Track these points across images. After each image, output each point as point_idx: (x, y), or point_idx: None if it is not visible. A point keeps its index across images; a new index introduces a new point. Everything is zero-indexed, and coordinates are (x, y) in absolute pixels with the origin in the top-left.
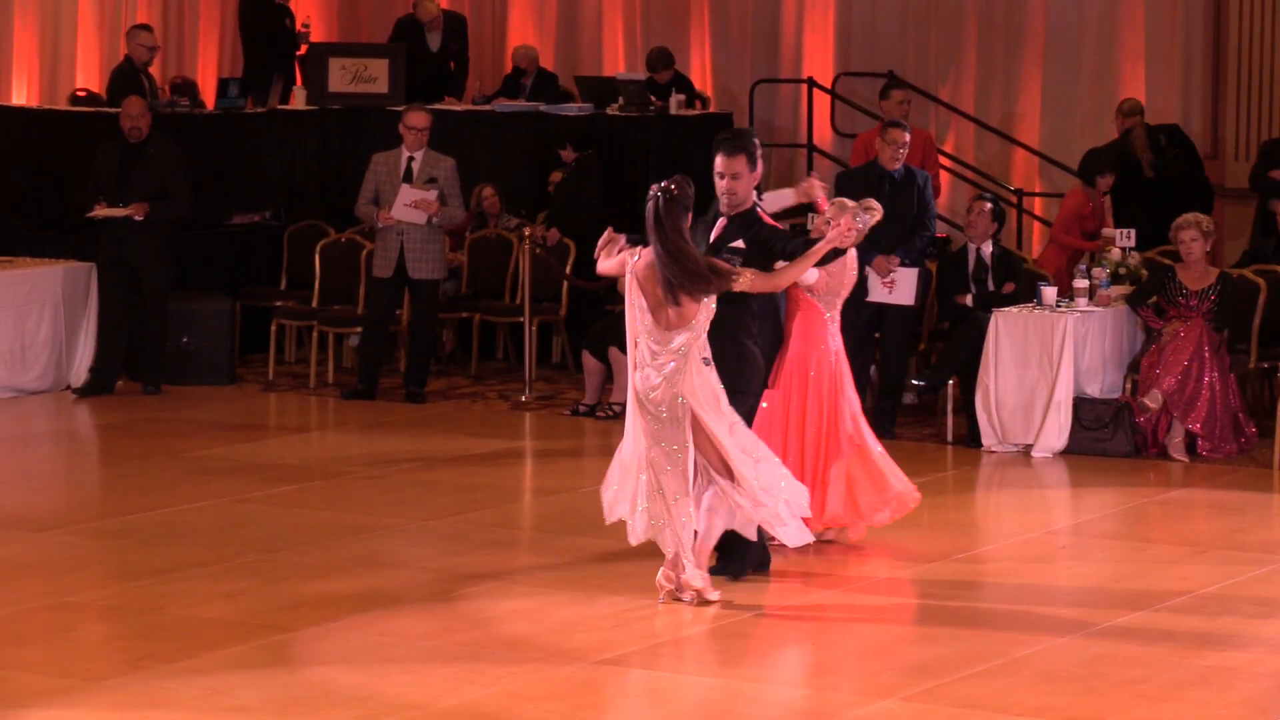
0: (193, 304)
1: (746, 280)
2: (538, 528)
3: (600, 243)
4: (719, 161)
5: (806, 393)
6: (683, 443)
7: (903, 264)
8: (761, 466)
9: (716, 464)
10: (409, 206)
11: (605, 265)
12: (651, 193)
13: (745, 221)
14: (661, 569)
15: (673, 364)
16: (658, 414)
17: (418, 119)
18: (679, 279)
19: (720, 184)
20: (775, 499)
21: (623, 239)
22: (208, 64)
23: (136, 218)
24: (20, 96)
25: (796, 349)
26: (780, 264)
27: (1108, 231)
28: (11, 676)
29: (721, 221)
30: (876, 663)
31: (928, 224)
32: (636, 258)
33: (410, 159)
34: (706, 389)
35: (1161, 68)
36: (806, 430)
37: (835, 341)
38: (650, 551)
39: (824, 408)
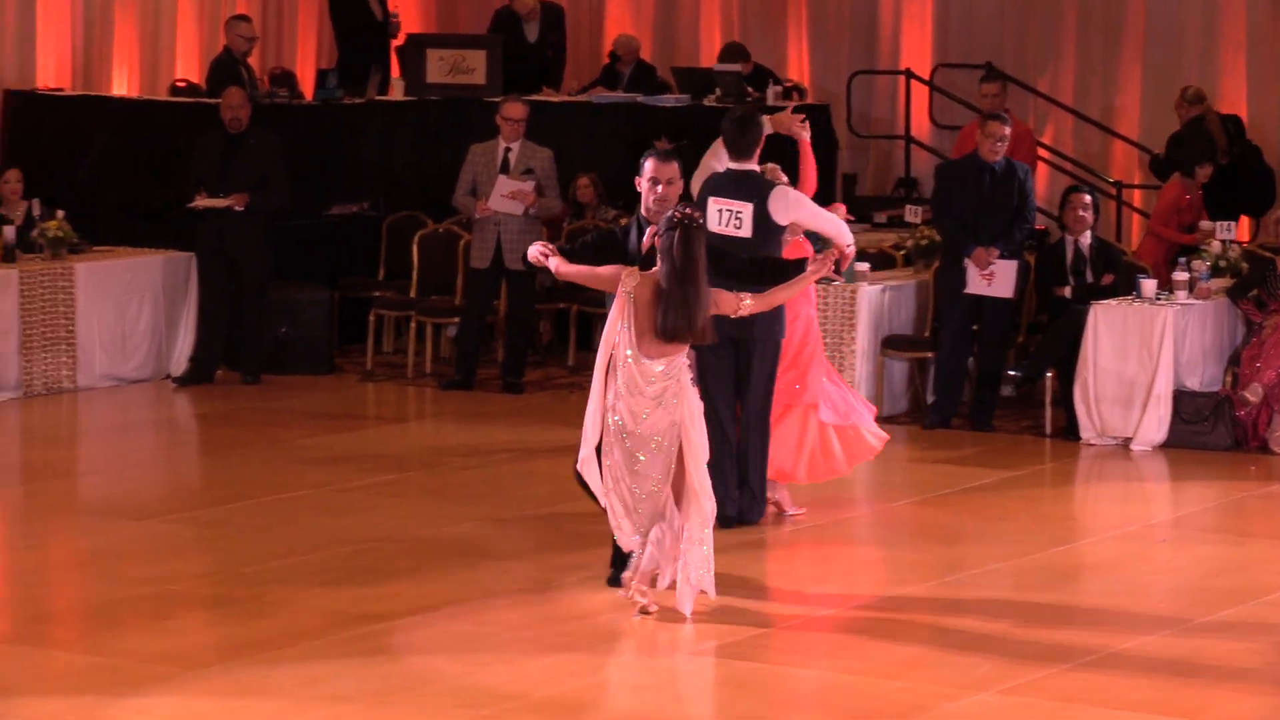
0: (291, 294)
1: (748, 307)
2: None
3: (537, 255)
4: (654, 168)
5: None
6: (663, 476)
7: (1002, 256)
8: (707, 507)
9: (675, 496)
10: (506, 198)
11: (565, 270)
12: (672, 219)
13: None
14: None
15: (667, 388)
16: (646, 446)
17: (515, 110)
18: (682, 318)
19: (656, 190)
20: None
21: (550, 248)
22: (306, 55)
23: (237, 208)
24: (121, 87)
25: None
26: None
27: (1206, 225)
28: (111, 664)
29: (651, 229)
30: (973, 655)
31: (1027, 216)
32: (636, 280)
33: (507, 150)
34: (698, 411)
35: (1264, 57)
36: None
37: (812, 309)
38: (750, 544)
39: (790, 368)
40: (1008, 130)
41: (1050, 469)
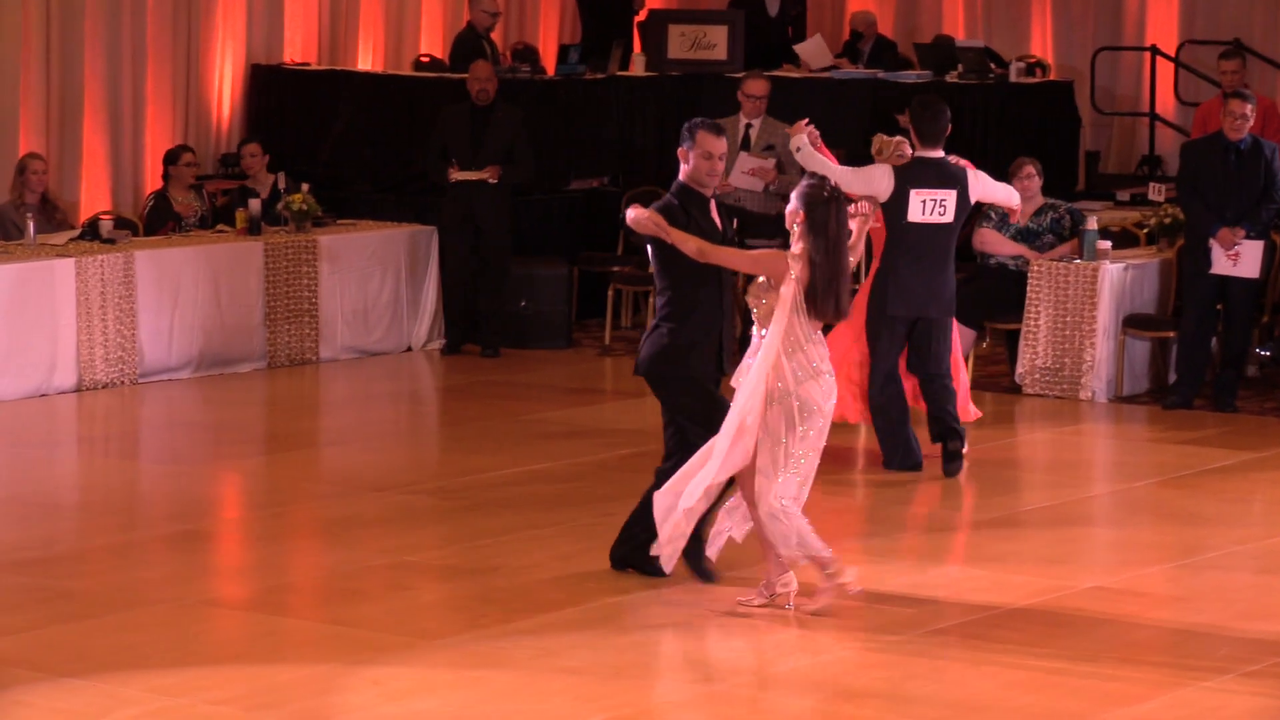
0: (531, 268)
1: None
2: (866, 495)
3: (635, 218)
4: (716, 144)
5: None
6: (815, 452)
7: (1248, 236)
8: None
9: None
10: (747, 174)
11: (711, 252)
12: (821, 193)
13: (722, 204)
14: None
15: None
16: (812, 422)
17: (757, 87)
18: (835, 295)
19: (714, 164)
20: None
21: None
22: (548, 30)
23: (491, 181)
24: (366, 62)
25: None
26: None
27: None
28: (349, 633)
29: (712, 204)
30: (1213, 638)
31: (1275, 195)
32: (795, 258)
33: (748, 126)
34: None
35: None
36: None
37: None
38: (988, 522)
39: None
40: (1250, 108)
41: None
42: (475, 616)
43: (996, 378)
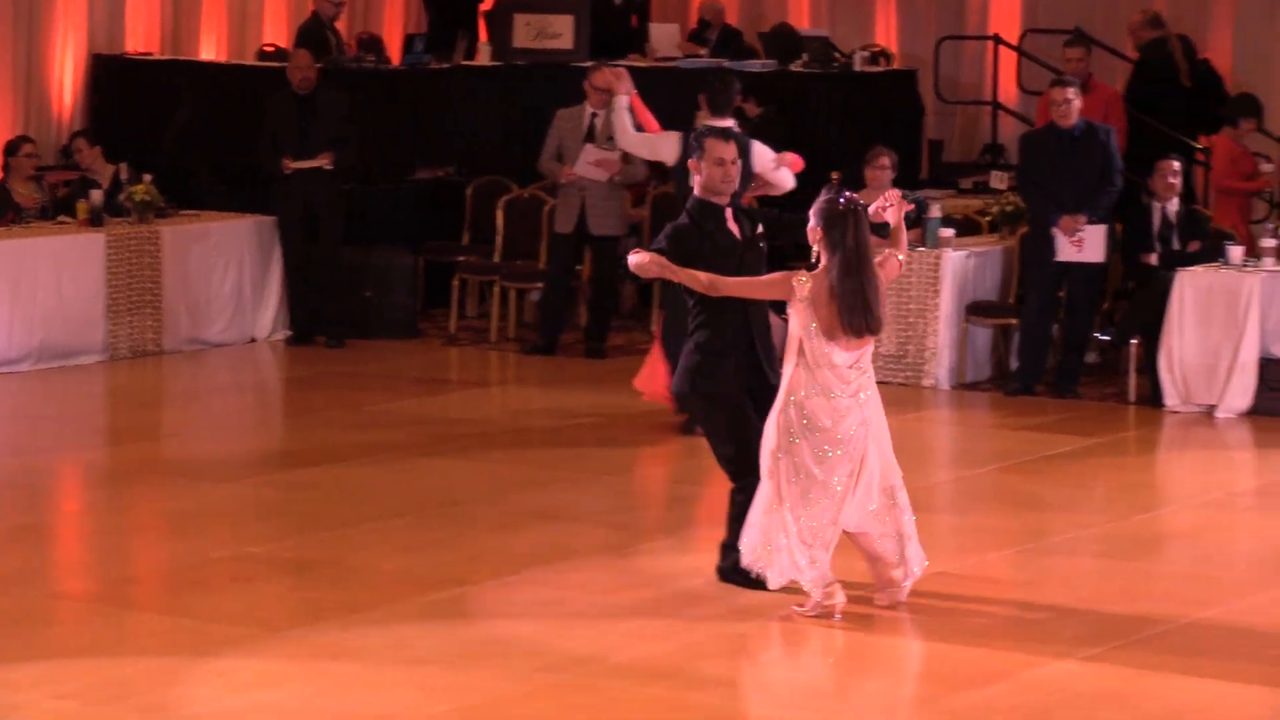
0: (376, 259)
1: (903, 262)
2: (716, 484)
3: (637, 263)
4: (725, 149)
5: None
6: (848, 474)
7: (1090, 222)
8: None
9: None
10: (592, 165)
11: (723, 283)
12: (837, 208)
13: (741, 209)
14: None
15: (861, 385)
16: (844, 445)
17: (606, 77)
18: (864, 313)
19: (726, 169)
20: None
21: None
22: (393, 20)
23: (326, 167)
24: (209, 52)
25: None
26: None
27: (1266, 166)
28: (195, 626)
29: (728, 213)
30: (1055, 623)
31: (1113, 179)
32: (804, 279)
33: (594, 116)
34: (880, 410)
35: None
36: None
37: None
38: None
39: None
40: (1071, 93)
41: (1134, 436)
42: (320, 608)
43: None
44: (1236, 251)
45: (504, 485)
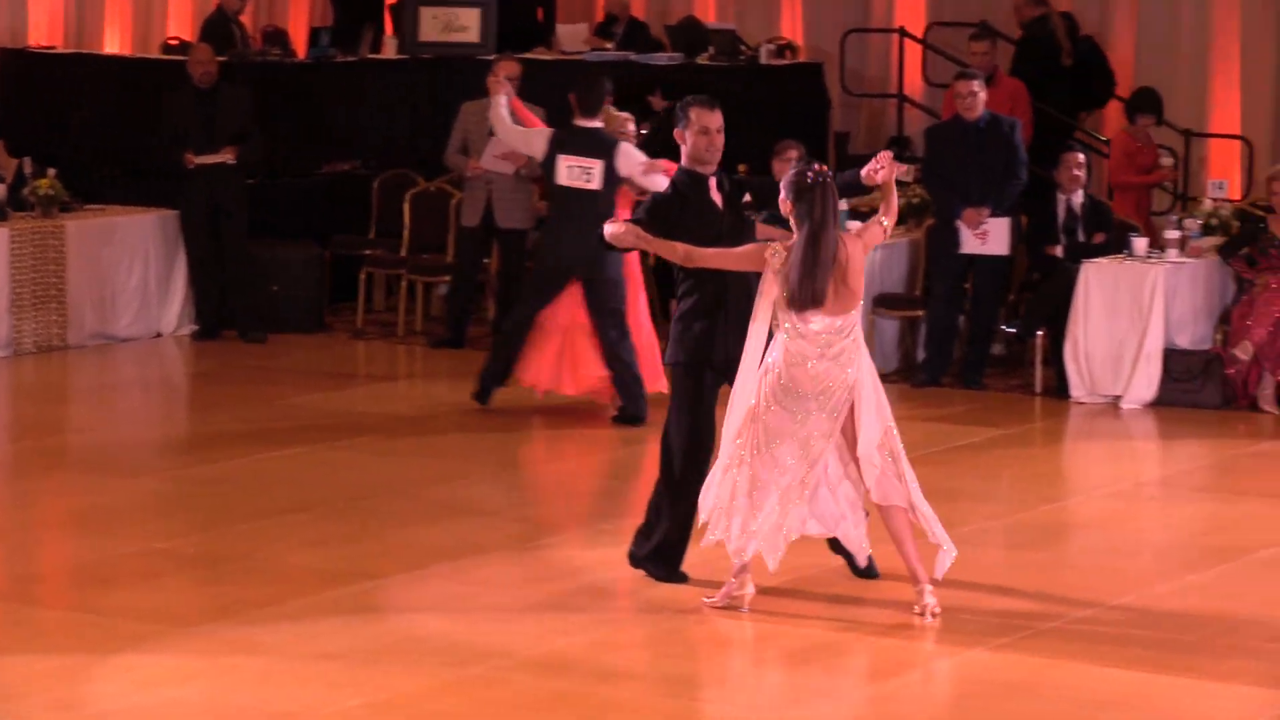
0: (283, 252)
1: (888, 227)
2: (623, 477)
3: (613, 233)
4: (711, 118)
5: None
6: (826, 433)
7: (994, 214)
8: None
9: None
10: (498, 157)
11: (699, 255)
12: (807, 179)
13: (729, 178)
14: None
15: (843, 349)
16: (822, 406)
17: (508, 69)
18: (810, 284)
19: (712, 139)
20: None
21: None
22: (299, 13)
23: (230, 161)
24: (113, 45)
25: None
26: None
27: (1166, 159)
28: (101, 622)
29: (712, 181)
30: (963, 613)
31: (1017, 171)
32: (776, 254)
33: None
34: (871, 373)
35: (1258, 16)
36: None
37: None
38: None
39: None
40: (976, 86)
41: (1040, 427)
42: (228, 603)
43: None
44: (1141, 243)
45: (412, 479)
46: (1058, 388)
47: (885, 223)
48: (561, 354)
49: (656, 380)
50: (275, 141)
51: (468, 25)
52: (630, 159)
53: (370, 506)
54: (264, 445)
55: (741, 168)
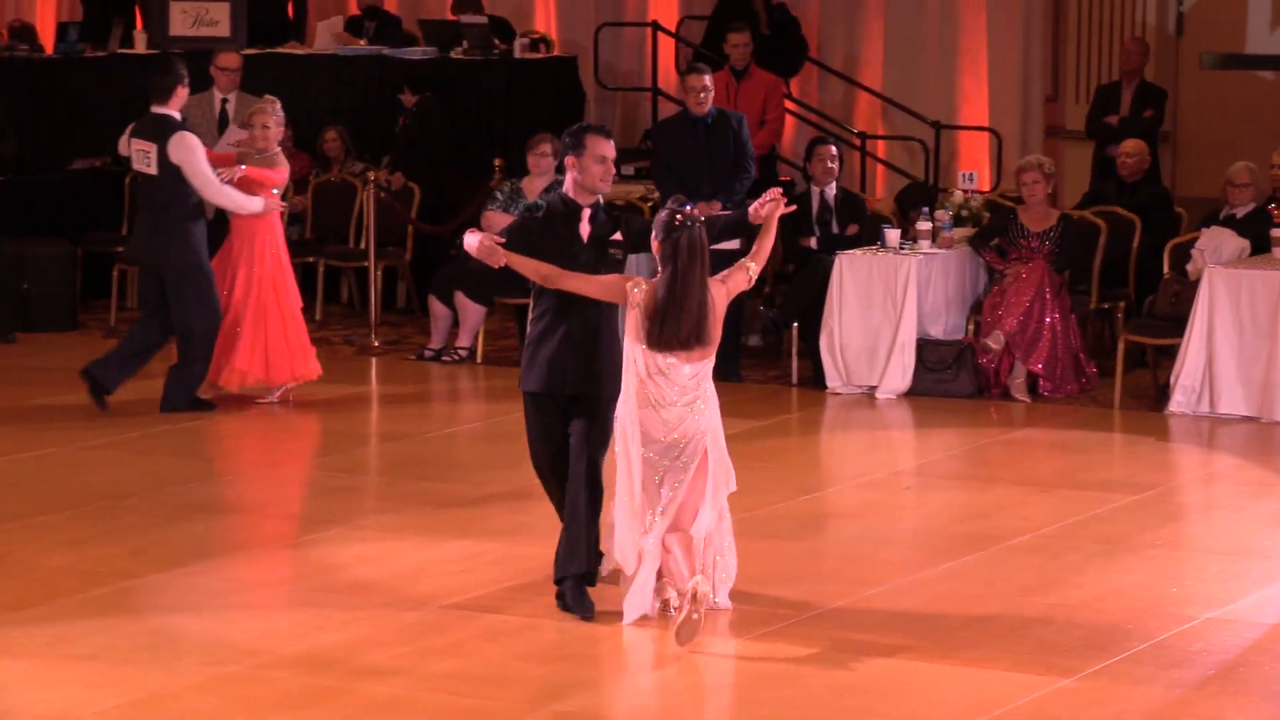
0: (33, 250)
1: (755, 270)
2: (384, 473)
3: (479, 247)
4: (608, 146)
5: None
6: (681, 483)
7: (724, 209)
8: (721, 524)
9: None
10: (233, 146)
11: (559, 279)
12: (675, 222)
13: (607, 211)
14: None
15: (696, 396)
16: (675, 455)
17: (228, 60)
18: (675, 328)
19: (605, 169)
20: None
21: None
22: (46, 8)
23: None
24: None
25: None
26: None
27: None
28: None
29: (587, 212)
30: (722, 606)
31: (747, 166)
32: (638, 289)
33: (225, 101)
34: (719, 424)
35: (1003, 13)
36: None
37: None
38: (497, 495)
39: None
40: (706, 80)
41: (797, 418)
42: None
43: (507, 351)
44: (893, 234)
45: (167, 478)
46: (814, 379)
47: (752, 268)
48: (268, 345)
49: (307, 366)
50: (23, 138)
51: (218, 20)
52: (182, 146)
53: (125, 506)
54: (15, 445)
55: (497, 161)
